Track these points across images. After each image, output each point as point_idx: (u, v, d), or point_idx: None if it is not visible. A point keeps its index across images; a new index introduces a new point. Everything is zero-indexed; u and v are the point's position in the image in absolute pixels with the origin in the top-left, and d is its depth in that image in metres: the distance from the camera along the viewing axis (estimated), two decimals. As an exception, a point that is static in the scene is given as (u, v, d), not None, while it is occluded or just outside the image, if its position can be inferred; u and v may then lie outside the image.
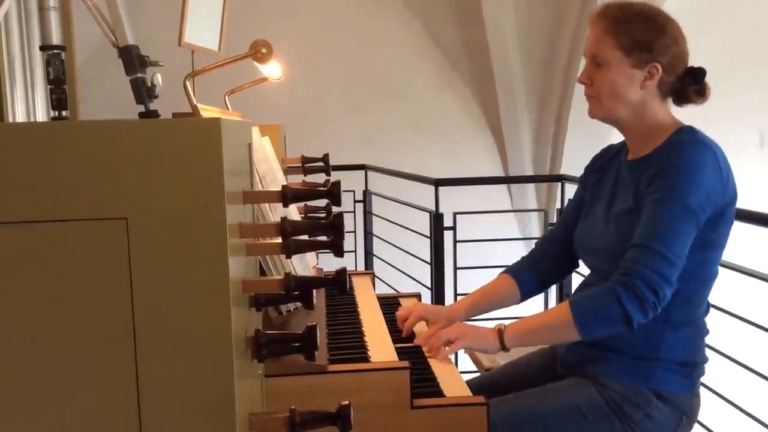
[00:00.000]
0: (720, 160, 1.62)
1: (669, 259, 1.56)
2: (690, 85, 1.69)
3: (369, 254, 5.02)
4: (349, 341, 1.73)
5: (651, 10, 1.70)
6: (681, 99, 1.72)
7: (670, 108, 1.74)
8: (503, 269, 2.01)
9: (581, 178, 1.95)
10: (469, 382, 1.88)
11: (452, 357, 1.82)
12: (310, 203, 2.33)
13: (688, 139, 1.64)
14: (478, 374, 2.06)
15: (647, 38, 1.65)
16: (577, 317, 1.62)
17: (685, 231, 1.58)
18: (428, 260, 3.96)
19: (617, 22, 1.67)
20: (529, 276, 1.96)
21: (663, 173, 1.60)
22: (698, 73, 1.70)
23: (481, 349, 1.79)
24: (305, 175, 2.52)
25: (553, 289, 3.68)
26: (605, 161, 1.88)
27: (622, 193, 1.73)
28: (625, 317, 1.56)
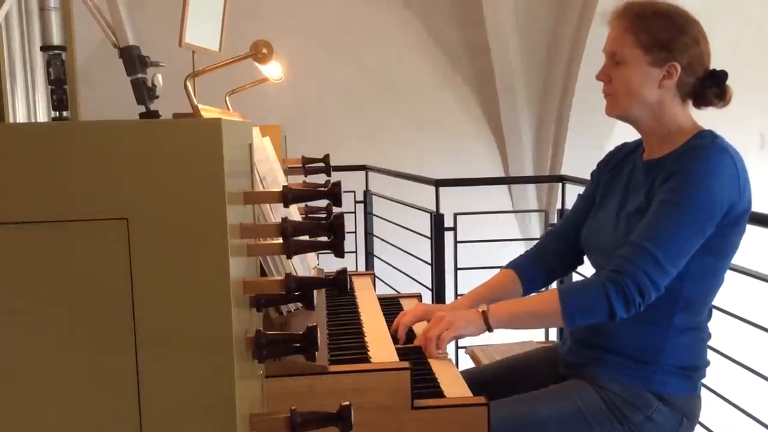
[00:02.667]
0: (738, 168, 1.60)
1: (662, 265, 1.55)
2: (710, 87, 1.67)
3: (369, 255, 5.02)
4: (349, 342, 1.73)
5: (672, 9, 1.68)
6: (701, 101, 1.70)
7: (691, 111, 1.72)
8: (506, 264, 2.00)
9: (593, 174, 1.94)
10: (469, 372, 1.88)
11: (452, 357, 1.81)
12: (310, 204, 2.33)
13: (709, 144, 1.62)
14: (479, 366, 2.05)
15: (666, 36, 1.63)
16: (564, 307, 1.62)
17: (686, 238, 1.57)
18: (429, 261, 3.96)
19: (638, 19, 1.66)
20: (532, 271, 1.95)
21: (678, 176, 1.59)
22: (719, 76, 1.68)
23: (469, 334, 1.76)
24: (306, 176, 2.52)
25: (553, 285, 3.67)
26: (619, 159, 1.86)
27: (635, 194, 1.72)
28: (610, 312, 1.58)
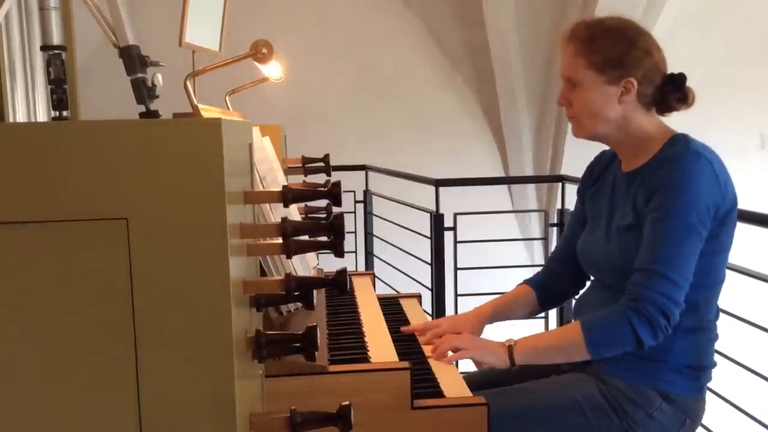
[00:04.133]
0: (716, 168, 1.61)
1: (675, 281, 1.57)
2: (671, 93, 1.68)
3: (369, 255, 5.01)
4: (349, 342, 1.73)
5: (619, 24, 1.69)
6: (664, 108, 1.71)
7: (657, 117, 1.73)
8: (522, 281, 2.02)
9: (578, 191, 1.95)
10: (471, 376, 1.88)
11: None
12: (310, 204, 2.33)
13: (683, 151, 1.63)
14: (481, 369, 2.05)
15: (617, 54, 1.65)
16: (588, 340, 1.63)
17: (688, 249, 1.58)
18: (429, 261, 3.96)
19: (586, 41, 1.67)
20: (545, 289, 1.97)
21: (660, 191, 1.60)
22: (677, 80, 1.68)
23: (489, 363, 1.78)
24: (306, 176, 2.52)
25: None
26: (600, 171, 1.87)
27: (621, 207, 1.73)
28: (637, 341, 1.58)
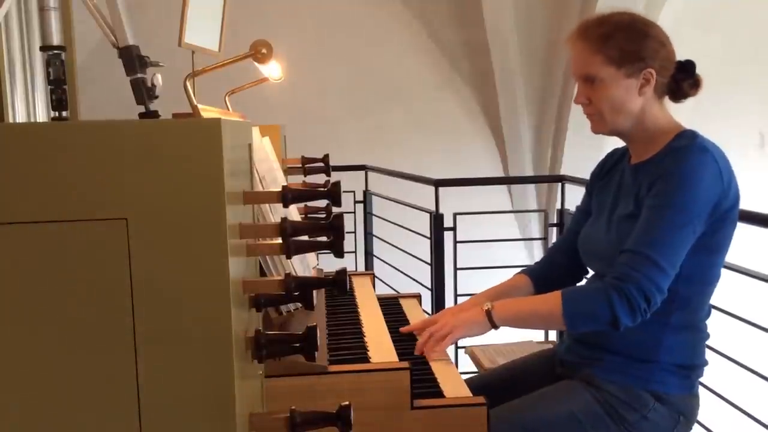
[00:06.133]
0: (721, 165, 1.61)
1: (662, 268, 1.56)
2: (684, 80, 1.70)
3: (369, 255, 5.01)
4: (349, 342, 1.74)
5: (629, 18, 1.70)
6: (677, 95, 1.72)
7: (669, 109, 1.74)
8: (520, 270, 2.02)
9: (587, 185, 1.96)
10: (468, 381, 1.89)
11: (452, 358, 1.82)
12: (310, 204, 2.33)
13: (689, 144, 1.64)
14: (478, 373, 2.06)
15: (634, 47, 1.65)
16: (566, 310, 1.63)
17: (680, 239, 1.58)
18: (428, 261, 3.96)
19: (601, 38, 1.67)
20: (544, 278, 1.97)
21: (662, 179, 1.61)
22: (688, 66, 1.71)
23: (474, 335, 1.77)
24: (305, 176, 2.52)
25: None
26: (610, 166, 1.88)
27: (624, 198, 1.74)
28: (614, 319, 1.58)
